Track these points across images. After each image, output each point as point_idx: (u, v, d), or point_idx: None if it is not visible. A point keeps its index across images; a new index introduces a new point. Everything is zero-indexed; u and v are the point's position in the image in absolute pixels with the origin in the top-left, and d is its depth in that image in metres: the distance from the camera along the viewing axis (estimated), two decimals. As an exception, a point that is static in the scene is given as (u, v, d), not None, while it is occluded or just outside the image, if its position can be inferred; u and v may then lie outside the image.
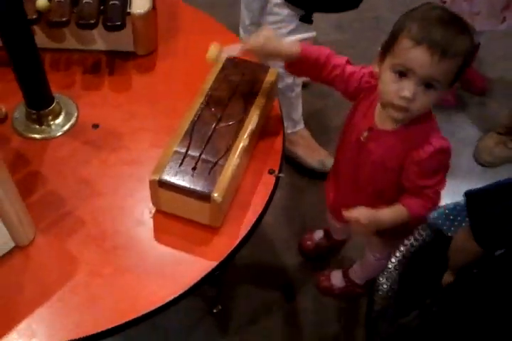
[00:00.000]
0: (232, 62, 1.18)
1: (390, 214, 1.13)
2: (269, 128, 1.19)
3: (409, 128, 1.09)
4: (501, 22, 1.80)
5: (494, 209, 1.07)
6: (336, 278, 1.74)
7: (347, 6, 1.62)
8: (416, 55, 0.96)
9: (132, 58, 1.30)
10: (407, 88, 0.99)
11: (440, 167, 1.11)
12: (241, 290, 1.74)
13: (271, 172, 1.13)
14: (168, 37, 1.34)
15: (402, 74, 1.00)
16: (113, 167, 1.12)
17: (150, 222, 1.05)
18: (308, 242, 1.82)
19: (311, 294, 1.75)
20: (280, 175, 1.13)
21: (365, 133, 1.15)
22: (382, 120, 1.12)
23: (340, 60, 1.15)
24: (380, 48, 1.06)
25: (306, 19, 1.66)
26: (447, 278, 1.30)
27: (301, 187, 1.99)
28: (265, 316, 1.69)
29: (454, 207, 1.64)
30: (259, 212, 1.07)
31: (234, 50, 1.12)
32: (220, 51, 1.11)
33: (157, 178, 0.99)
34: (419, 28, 0.96)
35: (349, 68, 1.14)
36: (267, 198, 1.09)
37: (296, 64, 1.13)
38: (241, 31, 1.99)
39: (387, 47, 1.02)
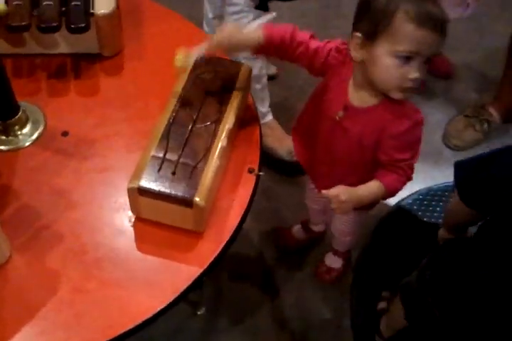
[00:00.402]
0: (203, 60, 1.14)
1: (368, 190, 1.13)
2: (246, 125, 1.17)
3: (389, 103, 1.08)
4: (465, 8, 1.81)
5: (479, 173, 1.08)
6: (332, 261, 1.74)
7: None
8: (423, 38, 0.96)
9: (99, 60, 1.25)
10: (416, 70, 0.99)
11: (416, 140, 1.12)
12: (223, 290, 1.72)
13: (250, 171, 1.10)
14: (134, 36, 1.30)
15: (408, 58, 0.99)
16: (87, 175, 1.08)
17: (131, 231, 1.01)
18: (287, 237, 1.81)
19: (294, 288, 1.74)
20: (260, 173, 1.11)
21: (341, 113, 1.13)
22: (359, 98, 1.11)
23: (303, 35, 1.12)
24: (359, 34, 1.02)
25: (262, 7, 1.67)
26: (443, 233, 1.32)
27: (273, 181, 1.97)
28: (251, 315, 1.67)
29: (427, 192, 1.66)
30: (242, 213, 1.05)
31: (201, 49, 1.10)
32: (187, 56, 1.09)
33: (136, 186, 0.95)
34: (417, 9, 0.95)
35: (313, 44, 1.12)
36: (248, 199, 1.07)
37: (262, 49, 1.12)
38: (205, 26, 1.95)
39: (378, 33, 0.99)
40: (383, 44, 0.99)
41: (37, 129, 1.13)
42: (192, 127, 1.04)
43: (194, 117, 1.06)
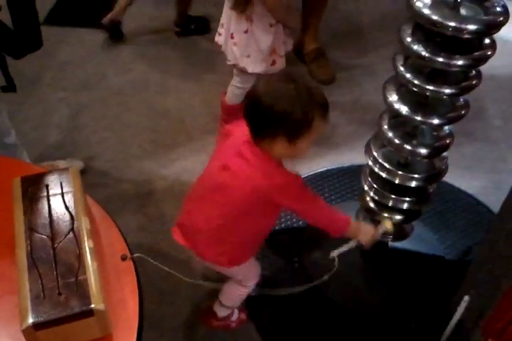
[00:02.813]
0: (28, 179, 1.15)
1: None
2: (93, 219, 1.18)
3: None
4: (271, 64, 1.95)
5: None
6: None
7: (29, 49, 1.61)
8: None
9: None
10: None
11: None
12: None
13: (123, 258, 1.11)
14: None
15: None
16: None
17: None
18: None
19: None
20: (134, 255, 1.12)
21: None
22: None
23: None
24: (283, 137, 1.18)
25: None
26: None
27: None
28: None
29: None
30: (137, 297, 1.06)
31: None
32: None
33: (30, 324, 0.92)
34: (325, 109, 1.19)
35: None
36: (135, 282, 1.09)
37: None
38: None
39: (300, 135, 1.18)
40: (304, 139, 1.19)
41: None
42: (53, 245, 1.03)
43: (50, 235, 1.05)
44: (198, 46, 2.74)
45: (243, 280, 1.50)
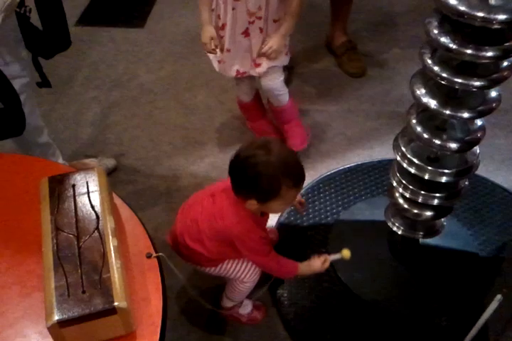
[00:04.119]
0: (55, 179, 1.17)
1: None
2: (120, 217, 1.20)
3: None
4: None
5: None
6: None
7: (58, 49, 1.64)
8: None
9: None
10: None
11: None
12: None
13: (148, 256, 1.12)
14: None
15: None
16: None
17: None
18: None
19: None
20: (159, 254, 1.13)
21: None
22: None
23: None
24: (254, 201, 1.28)
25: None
26: None
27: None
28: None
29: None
30: (161, 296, 1.06)
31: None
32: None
33: (55, 321, 0.93)
34: (294, 178, 1.26)
35: None
36: (159, 280, 1.09)
37: None
38: None
39: (269, 199, 1.27)
40: (274, 202, 1.28)
41: None
42: (78, 244, 1.05)
43: (75, 234, 1.07)
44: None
45: (238, 278, 1.54)
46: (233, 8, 1.72)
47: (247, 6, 1.71)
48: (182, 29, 2.83)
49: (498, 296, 1.27)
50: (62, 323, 0.93)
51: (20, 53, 1.59)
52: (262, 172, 1.23)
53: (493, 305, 1.22)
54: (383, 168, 2.04)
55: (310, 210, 1.94)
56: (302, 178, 1.30)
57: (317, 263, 1.47)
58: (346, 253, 1.47)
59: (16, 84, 1.54)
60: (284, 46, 1.81)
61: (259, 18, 1.74)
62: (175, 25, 2.86)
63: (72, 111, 2.42)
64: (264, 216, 1.44)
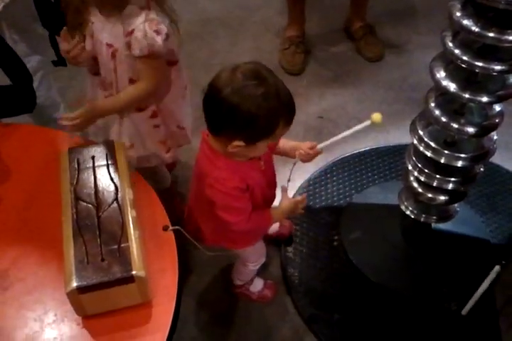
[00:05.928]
0: (76, 151, 1.19)
1: None
2: (138, 189, 1.20)
3: None
4: None
5: None
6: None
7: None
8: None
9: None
10: None
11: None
12: None
13: (165, 228, 1.14)
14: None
15: None
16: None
17: (84, 333, 1.01)
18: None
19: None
20: (176, 227, 1.14)
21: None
22: None
23: None
24: (240, 142, 1.07)
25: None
26: None
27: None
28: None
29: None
30: (176, 267, 1.09)
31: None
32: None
33: (74, 287, 0.95)
34: (290, 115, 1.10)
35: None
36: (175, 253, 1.11)
37: None
38: None
39: (259, 139, 1.09)
40: (263, 143, 1.10)
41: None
42: (97, 213, 1.07)
43: (95, 204, 1.08)
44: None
45: (241, 261, 1.57)
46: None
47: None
48: (199, 9, 2.82)
49: (497, 267, 1.28)
50: (80, 289, 0.95)
51: (34, 31, 1.59)
52: (260, 108, 1.02)
53: (492, 276, 1.24)
54: (398, 152, 2.04)
55: (322, 193, 1.94)
56: (294, 113, 1.11)
57: (285, 204, 1.31)
58: (377, 117, 1.22)
59: (30, 62, 1.55)
60: None
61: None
62: (192, 5, 2.85)
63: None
64: (254, 159, 1.21)
